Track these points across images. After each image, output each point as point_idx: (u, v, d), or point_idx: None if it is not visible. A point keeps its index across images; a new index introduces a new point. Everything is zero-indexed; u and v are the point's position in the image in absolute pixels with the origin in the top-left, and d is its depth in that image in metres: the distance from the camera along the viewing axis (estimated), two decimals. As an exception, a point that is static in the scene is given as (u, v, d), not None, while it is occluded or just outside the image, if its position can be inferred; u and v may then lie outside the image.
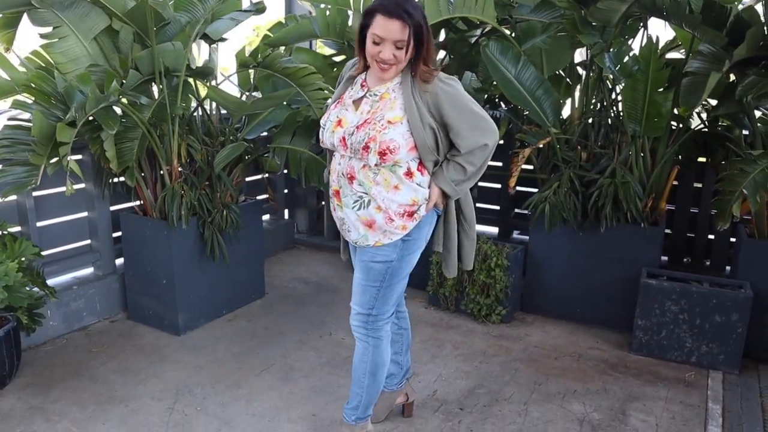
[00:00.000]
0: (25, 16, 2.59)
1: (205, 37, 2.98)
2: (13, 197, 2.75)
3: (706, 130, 3.14)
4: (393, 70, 1.74)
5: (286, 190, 4.38)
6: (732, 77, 2.85)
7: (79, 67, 2.58)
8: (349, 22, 3.24)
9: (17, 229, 2.81)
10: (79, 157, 3.00)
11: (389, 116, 1.75)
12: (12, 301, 2.39)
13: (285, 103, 3.21)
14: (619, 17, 2.66)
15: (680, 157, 3.18)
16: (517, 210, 4.08)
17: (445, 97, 1.75)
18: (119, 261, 3.21)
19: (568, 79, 3.34)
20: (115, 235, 3.17)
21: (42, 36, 2.56)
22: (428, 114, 1.76)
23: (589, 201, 2.95)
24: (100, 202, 3.06)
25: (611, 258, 3.03)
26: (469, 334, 3.03)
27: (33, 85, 2.41)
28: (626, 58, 2.75)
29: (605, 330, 3.09)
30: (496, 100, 3.65)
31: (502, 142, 3.82)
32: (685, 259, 3.69)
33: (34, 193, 2.82)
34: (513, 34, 3.07)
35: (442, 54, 3.51)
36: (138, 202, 3.07)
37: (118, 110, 2.54)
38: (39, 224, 2.87)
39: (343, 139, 1.79)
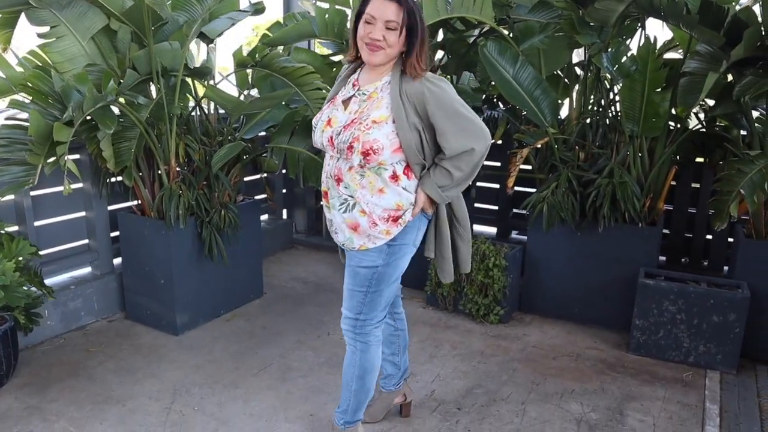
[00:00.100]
0: (22, 16, 2.59)
1: (203, 37, 2.98)
2: (11, 197, 2.75)
3: (704, 130, 3.15)
4: (381, 54, 1.70)
5: (284, 190, 4.38)
6: (729, 77, 2.85)
7: (77, 67, 2.58)
8: (348, 24, 3.24)
9: (15, 228, 2.80)
10: (76, 156, 3.00)
11: (374, 116, 1.72)
12: (9, 301, 2.39)
13: (283, 102, 3.21)
14: (616, 17, 2.67)
15: (678, 157, 3.18)
16: (515, 210, 4.09)
17: (432, 98, 1.71)
18: (117, 261, 3.21)
19: (566, 80, 3.34)
20: (112, 234, 3.17)
21: (39, 35, 2.55)
22: (414, 114, 1.72)
23: (587, 201, 2.95)
24: (97, 201, 3.06)
25: (609, 258, 3.03)
26: (467, 334, 3.03)
27: (30, 85, 2.40)
28: (624, 59, 2.75)
29: (603, 330, 3.10)
30: (494, 100, 3.65)
31: (500, 142, 3.83)
32: (682, 259, 3.69)
33: (32, 193, 2.82)
34: (511, 35, 3.07)
35: (440, 54, 3.51)
36: (136, 202, 3.07)
37: (115, 110, 2.53)
38: (36, 224, 2.87)
39: (331, 138, 1.78)
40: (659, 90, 2.85)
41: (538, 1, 2.94)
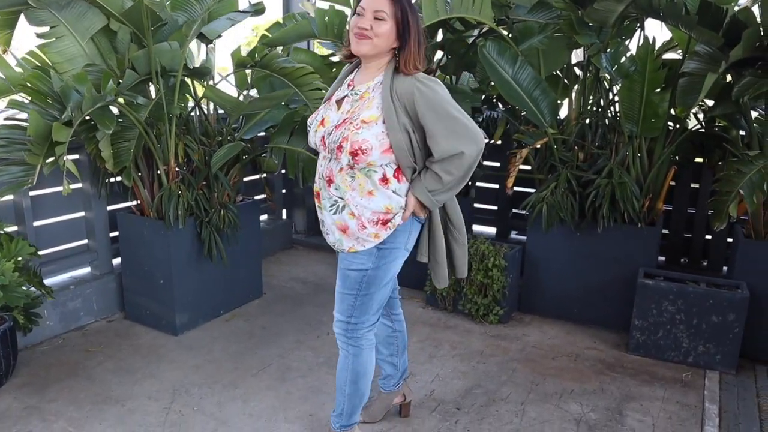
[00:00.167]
0: (22, 17, 2.59)
1: (202, 37, 2.98)
2: (10, 197, 2.75)
3: (703, 130, 3.15)
4: (367, 43, 1.69)
5: (284, 190, 4.38)
6: (728, 78, 2.85)
7: (76, 67, 2.58)
8: (347, 24, 3.24)
9: (14, 228, 2.80)
10: (76, 156, 3.00)
11: (364, 115, 1.71)
12: (8, 301, 2.39)
13: (282, 103, 3.21)
14: (615, 18, 2.67)
15: (677, 157, 3.18)
16: (514, 210, 4.09)
17: (421, 98, 1.68)
18: (116, 261, 3.21)
19: (565, 80, 3.34)
20: (112, 234, 3.17)
21: (39, 35, 2.55)
22: (405, 115, 1.69)
23: (586, 201, 2.95)
24: (96, 201, 3.06)
25: (608, 258, 3.03)
26: (467, 334, 3.03)
27: (29, 85, 2.40)
28: (623, 59, 2.76)
29: (602, 330, 3.10)
30: (494, 100, 3.66)
31: (500, 142, 3.83)
32: (682, 260, 3.70)
33: (31, 193, 2.82)
34: (510, 35, 3.07)
35: (439, 54, 3.51)
36: (135, 202, 3.07)
37: (114, 110, 2.54)
38: (36, 224, 2.87)
39: (323, 138, 1.77)
40: (658, 90, 2.86)
41: (538, 1, 2.94)
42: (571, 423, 2.30)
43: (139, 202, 3.01)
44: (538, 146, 3.06)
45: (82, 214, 3.09)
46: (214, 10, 2.91)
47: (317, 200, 1.87)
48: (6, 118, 2.52)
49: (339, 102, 1.81)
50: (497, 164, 4.03)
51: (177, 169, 2.91)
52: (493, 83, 3.08)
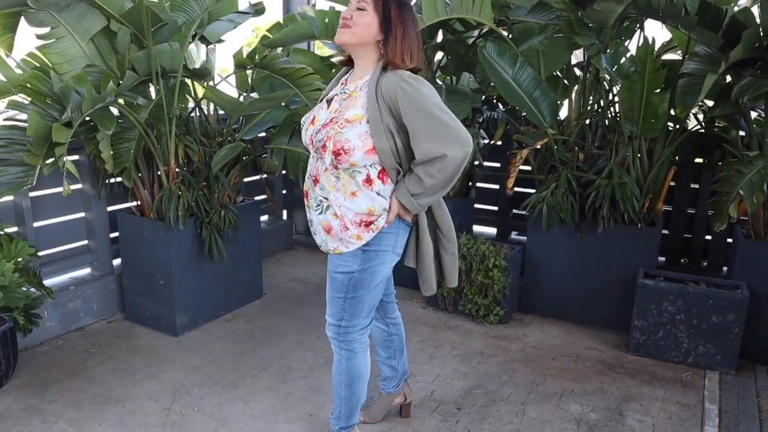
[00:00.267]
0: (22, 20, 2.59)
1: (203, 39, 2.98)
2: (10, 197, 2.75)
3: (703, 131, 3.15)
4: (347, 32, 1.68)
5: (284, 191, 4.38)
6: (728, 78, 2.86)
7: (76, 68, 2.58)
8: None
9: (14, 229, 2.80)
10: (75, 157, 3.00)
11: (348, 114, 1.68)
12: (8, 302, 2.39)
13: (283, 103, 3.21)
14: (615, 19, 2.67)
15: (677, 158, 3.19)
16: (515, 211, 4.10)
17: (404, 97, 1.63)
18: (116, 261, 3.21)
19: (565, 80, 3.35)
20: (112, 235, 3.17)
21: (38, 37, 2.55)
22: (389, 115, 1.65)
23: (586, 202, 2.96)
24: (97, 202, 3.06)
25: (608, 258, 3.03)
26: (467, 335, 3.03)
27: (29, 86, 2.40)
28: (623, 60, 2.76)
29: (602, 330, 3.10)
30: (494, 101, 3.66)
31: (500, 143, 3.83)
32: (682, 260, 3.70)
33: (31, 194, 2.82)
34: (510, 36, 3.08)
35: (440, 55, 3.51)
36: (135, 203, 3.07)
37: (114, 111, 2.54)
38: (36, 224, 2.87)
39: (311, 137, 1.77)
40: (658, 91, 2.86)
41: (537, 2, 2.95)
42: (571, 423, 2.30)
43: (139, 202, 3.01)
44: (539, 147, 3.07)
45: (82, 214, 3.09)
46: (214, 11, 2.91)
47: (306, 199, 1.85)
48: (6, 119, 2.51)
49: (329, 101, 1.81)
50: (497, 165, 4.04)
51: (177, 169, 2.91)
52: (493, 84, 3.09)
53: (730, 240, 3.48)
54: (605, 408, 2.41)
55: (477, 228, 4.14)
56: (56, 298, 2.84)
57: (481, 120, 3.75)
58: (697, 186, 3.58)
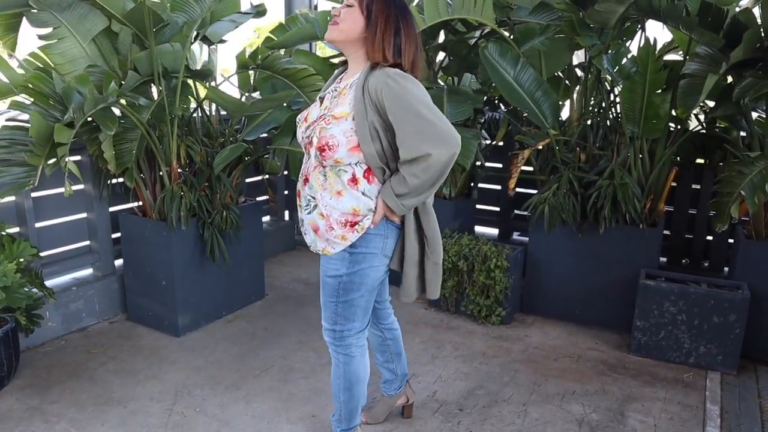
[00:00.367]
0: (24, 19, 2.60)
1: (205, 39, 2.98)
2: (12, 198, 2.75)
3: (704, 131, 3.15)
4: (335, 30, 1.69)
5: (286, 192, 4.38)
6: (729, 79, 2.86)
7: (78, 68, 2.58)
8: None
9: (16, 230, 2.81)
10: (77, 158, 3.00)
11: (336, 111, 1.68)
12: (10, 302, 2.39)
13: (285, 104, 3.21)
14: (616, 19, 2.67)
15: (678, 158, 3.19)
16: (516, 211, 4.10)
17: (390, 94, 1.59)
18: (118, 262, 3.21)
19: (566, 81, 3.35)
20: (114, 236, 3.17)
21: (40, 37, 2.56)
22: (374, 112, 1.62)
23: (588, 202, 2.96)
24: (98, 203, 3.06)
25: (610, 259, 3.03)
26: (469, 335, 3.03)
27: (31, 86, 2.41)
28: (624, 60, 2.76)
29: (604, 331, 3.10)
30: (496, 101, 3.66)
31: (502, 143, 3.83)
32: (683, 261, 3.70)
33: (33, 194, 2.82)
34: (512, 36, 3.08)
35: (441, 55, 3.52)
36: (137, 203, 3.07)
37: (116, 111, 2.54)
38: (38, 225, 2.87)
39: (302, 135, 1.78)
40: (659, 91, 2.86)
41: (539, 2, 2.95)
42: (573, 424, 2.30)
43: (141, 203, 3.02)
44: (540, 147, 3.07)
45: (84, 215, 3.09)
46: (216, 11, 2.91)
47: (298, 199, 1.83)
48: (8, 119, 2.52)
49: (322, 98, 1.81)
50: (499, 165, 4.04)
51: (179, 170, 2.91)
52: (494, 84, 3.09)
53: (731, 240, 3.48)
54: (607, 408, 2.42)
55: (479, 229, 4.14)
56: (58, 299, 2.84)
57: (482, 121, 3.75)
58: (698, 186, 3.58)
